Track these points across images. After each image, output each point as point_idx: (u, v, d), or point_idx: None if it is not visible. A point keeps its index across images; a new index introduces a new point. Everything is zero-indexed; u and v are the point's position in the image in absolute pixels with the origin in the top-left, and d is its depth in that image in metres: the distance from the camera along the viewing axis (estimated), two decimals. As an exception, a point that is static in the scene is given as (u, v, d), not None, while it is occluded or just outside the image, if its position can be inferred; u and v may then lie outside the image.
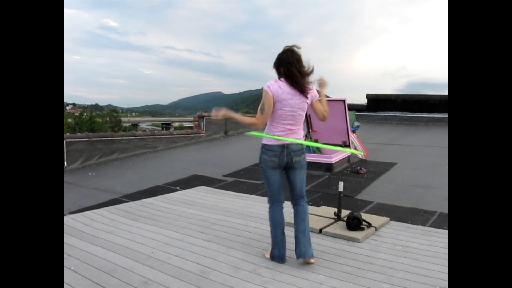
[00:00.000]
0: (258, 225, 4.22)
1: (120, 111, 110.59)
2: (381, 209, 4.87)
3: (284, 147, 3.16)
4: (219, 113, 3.25)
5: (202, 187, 6.22)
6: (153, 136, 9.95)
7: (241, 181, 6.58)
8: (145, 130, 23.50)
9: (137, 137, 9.54)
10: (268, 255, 3.36)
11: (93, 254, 3.46)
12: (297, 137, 3.19)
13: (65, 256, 3.40)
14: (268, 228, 3.42)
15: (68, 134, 8.95)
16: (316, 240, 3.78)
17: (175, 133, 10.69)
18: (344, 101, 7.02)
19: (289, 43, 3.15)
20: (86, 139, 8.41)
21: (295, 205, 3.34)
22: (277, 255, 3.26)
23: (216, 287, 2.85)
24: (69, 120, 58.88)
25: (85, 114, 61.98)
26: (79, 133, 11.19)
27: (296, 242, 3.26)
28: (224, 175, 7.06)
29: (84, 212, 4.81)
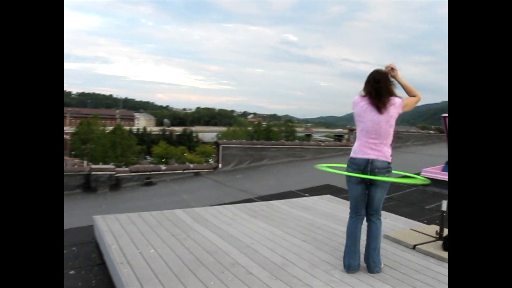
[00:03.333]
0: (358, 234, 4.44)
1: (296, 121, 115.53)
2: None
3: (368, 162, 3.35)
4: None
5: (328, 196, 6.58)
6: (301, 146, 10.63)
7: (367, 194, 6.72)
8: (318, 141, 24.75)
9: (285, 146, 10.35)
10: None
11: (206, 237, 4.21)
12: (380, 154, 3.34)
13: (185, 236, 4.23)
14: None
15: (224, 140, 10.24)
16: (404, 255, 3.86)
17: (323, 144, 11.20)
18: (445, 118, 6.52)
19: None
20: (239, 146, 9.56)
21: (368, 220, 3.52)
22: (346, 264, 3.46)
23: (287, 278, 3.27)
24: (249, 128, 64.47)
25: (264, 123, 67.12)
26: (234, 140, 12.55)
27: (366, 256, 3.46)
28: (354, 187, 7.26)
29: (216, 206, 5.69)
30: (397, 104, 3.32)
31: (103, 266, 3.94)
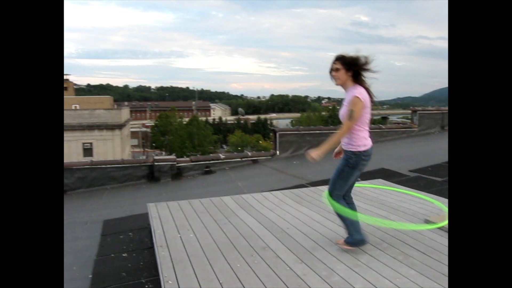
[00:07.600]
0: (398, 218, 4.39)
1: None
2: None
3: None
4: (313, 156, 3.45)
5: (380, 180, 6.48)
6: (361, 130, 10.44)
7: (422, 177, 6.53)
8: (397, 123, 24.25)
9: (344, 131, 10.23)
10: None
11: (245, 222, 4.40)
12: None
13: (226, 221, 4.46)
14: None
15: (281, 127, 10.36)
16: (443, 241, 3.77)
17: (384, 127, 10.90)
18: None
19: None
20: (296, 132, 9.64)
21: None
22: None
23: (312, 262, 3.37)
24: (323, 113, 63.85)
25: (338, 107, 66.00)
26: (290, 127, 12.60)
27: None
28: (410, 170, 7.08)
29: (264, 192, 5.87)
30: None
31: (152, 249, 4.28)
